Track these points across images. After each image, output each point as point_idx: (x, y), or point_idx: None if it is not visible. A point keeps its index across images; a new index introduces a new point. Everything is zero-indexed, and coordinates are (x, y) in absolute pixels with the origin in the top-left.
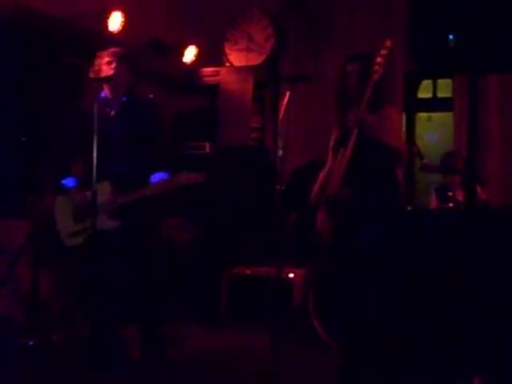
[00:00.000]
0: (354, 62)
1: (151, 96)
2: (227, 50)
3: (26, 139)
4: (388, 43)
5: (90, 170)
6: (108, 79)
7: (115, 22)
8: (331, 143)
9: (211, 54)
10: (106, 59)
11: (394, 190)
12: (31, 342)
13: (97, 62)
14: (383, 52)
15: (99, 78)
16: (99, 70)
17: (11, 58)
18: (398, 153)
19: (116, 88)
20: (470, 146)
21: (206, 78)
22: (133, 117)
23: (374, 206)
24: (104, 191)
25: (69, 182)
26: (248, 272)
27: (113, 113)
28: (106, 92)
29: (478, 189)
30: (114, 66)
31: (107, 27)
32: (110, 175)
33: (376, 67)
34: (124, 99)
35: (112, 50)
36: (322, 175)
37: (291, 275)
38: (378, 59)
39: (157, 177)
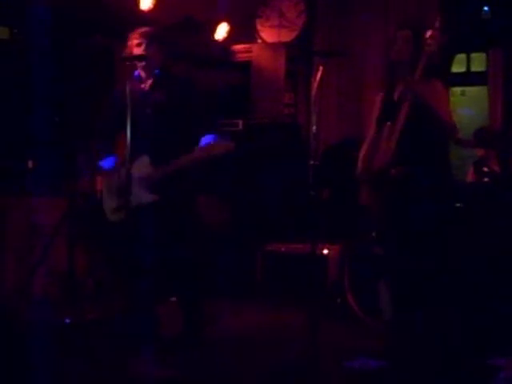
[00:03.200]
0: (403, 28)
1: (179, 72)
2: (259, 27)
3: (60, 119)
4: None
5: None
6: (139, 58)
7: (147, 0)
8: (375, 115)
9: (243, 31)
10: (136, 41)
11: (446, 166)
12: (67, 320)
13: (128, 43)
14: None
15: (130, 57)
16: (130, 52)
17: (44, 38)
18: (450, 127)
19: (148, 68)
20: (505, 119)
21: (238, 55)
22: (166, 89)
23: (429, 182)
24: (143, 165)
25: (107, 162)
26: (282, 249)
27: (146, 87)
28: (139, 72)
29: None
30: (143, 47)
31: (139, 6)
32: (146, 149)
33: (430, 40)
34: (156, 72)
35: (140, 30)
36: (364, 148)
37: (326, 251)
38: (433, 32)
39: (206, 140)
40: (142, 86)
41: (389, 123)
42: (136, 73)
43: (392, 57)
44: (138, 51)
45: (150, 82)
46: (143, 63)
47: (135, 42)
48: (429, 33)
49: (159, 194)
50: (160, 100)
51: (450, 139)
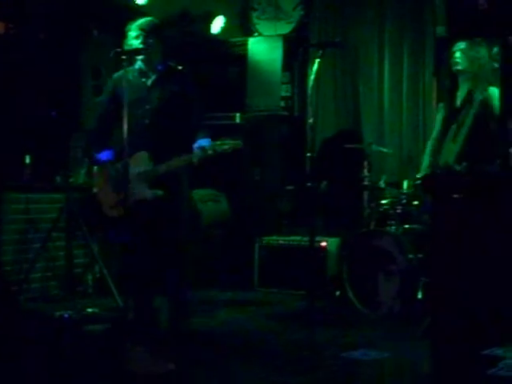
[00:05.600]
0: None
1: (180, 67)
2: (255, 20)
3: (57, 114)
4: None
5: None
6: (135, 52)
7: None
8: (440, 116)
9: (239, 24)
10: (135, 33)
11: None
12: (66, 315)
13: (127, 34)
14: None
15: (126, 51)
16: (130, 45)
17: (42, 33)
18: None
19: (148, 61)
20: (503, 111)
21: (234, 48)
22: (170, 85)
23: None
24: (141, 161)
25: (104, 155)
26: (280, 241)
27: (150, 82)
28: (139, 64)
29: None
30: (142, 39)
31: (135, 0)
32: (145, 145)
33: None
34: (160, 68)
35: (140, 22)
36: (429, 145)
37: (323, 244)
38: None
39: (199, 143)
40: (144, 80)
41: (453, 126)
42: (136, 65)
43: (454, 68)
44: (136, 43)
45: (153, 77)
46: (142, 57)
47: (134, 34)
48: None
49: (161, 190)
50: (160, 97)
51: None
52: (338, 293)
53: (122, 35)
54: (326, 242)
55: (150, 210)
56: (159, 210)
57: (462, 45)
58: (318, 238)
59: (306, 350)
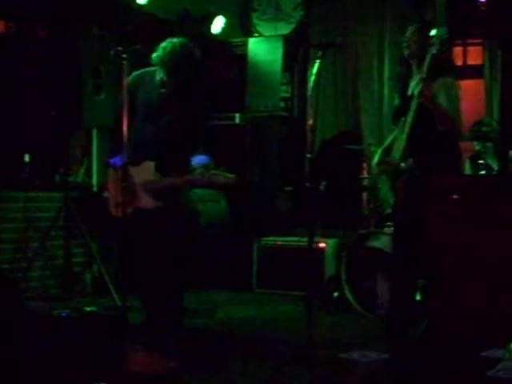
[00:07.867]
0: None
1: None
2: (255, 20)
3: (56, 112)
4: None
5: (136, 148)
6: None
7: None
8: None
9: (240, 25)
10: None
11: (453, 160)
12: (64, 314)
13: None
14: None
15: (126, 50)
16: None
17: (39, 31)
18: (452, 122)
19: (175, 80)
20: (503, 112)
21: (234, 49)
22: (185, 97)
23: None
24: (147, 170)
25: (116, 160)
26: (279, 242)
27: (165, 92)
28: (162, 75)
29: None
30: (175, 57)
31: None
32: (152, 154)
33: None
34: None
35: (176, 41)
36: (387, 143)
37: (322, 245)
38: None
39: (197, 160)
40: (163, 90)
41: (403, 118)
42: (157, 76)
43: (405, 52)
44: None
45: (172, 85)
46: (171, 76)
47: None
48: (433, 32)
49: (163, 201)
50: (174, 109)
51: (455, 135)
52: (336, 294)
53: (123, 34)
54: (325, 242)
55: (151, 218)
56: (159, 218)
57: (415, 28)
58: (316, 239)
59: (304, 350)
